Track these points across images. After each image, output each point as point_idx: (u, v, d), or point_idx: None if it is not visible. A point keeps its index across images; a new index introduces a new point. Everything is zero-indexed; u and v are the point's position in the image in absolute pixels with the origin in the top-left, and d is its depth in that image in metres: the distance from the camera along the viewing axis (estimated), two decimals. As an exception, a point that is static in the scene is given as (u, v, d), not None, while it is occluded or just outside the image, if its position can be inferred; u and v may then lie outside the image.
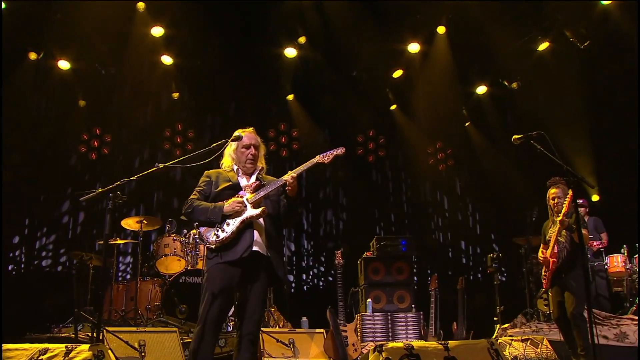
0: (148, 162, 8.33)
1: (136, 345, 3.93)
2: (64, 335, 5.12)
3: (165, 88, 8.25)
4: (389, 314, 5.62)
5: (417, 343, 3.48)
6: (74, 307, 4.86)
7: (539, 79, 7.50)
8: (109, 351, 3.27)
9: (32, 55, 7.47)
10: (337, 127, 8.61)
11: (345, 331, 4.71)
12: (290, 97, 8.41)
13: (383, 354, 3.35)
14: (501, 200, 7.77)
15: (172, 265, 5.95)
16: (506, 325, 5.44)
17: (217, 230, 2.99)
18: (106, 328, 4.07)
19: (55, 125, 8.20)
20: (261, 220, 3.02)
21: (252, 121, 8.34)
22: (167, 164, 2.77)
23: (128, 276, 7.55)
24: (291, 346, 4.42)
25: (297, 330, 4.75)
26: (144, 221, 5.89)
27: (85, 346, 3.09)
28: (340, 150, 3.04)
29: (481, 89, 8.17)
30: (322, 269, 8.20)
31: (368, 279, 6.02)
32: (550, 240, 4.00)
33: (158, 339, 4.05)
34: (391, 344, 3.47)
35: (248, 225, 2.98)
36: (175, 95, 8.38)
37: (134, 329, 4.32)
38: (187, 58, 7.79)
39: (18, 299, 6.69)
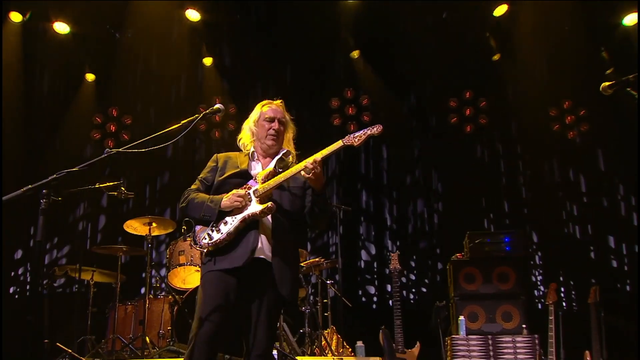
0: (183, 150, 9.41)
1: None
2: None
3: (195, 52, 9.34)
4: (489, 337, 5.84)
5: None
6: (43, 338, 5.40)
7: None
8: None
9: (15, 17, 8.13)
10: (420, 89, 9.31)
11: None
12: (355, 53, 9.22)
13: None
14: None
15: (190, 277, 6.36)
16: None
17: (211, 231, 3.27)
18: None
19: (57, 108, 9.32)
20: (269, 218, 3.28)
21: (311, 88, 9.59)
22: (119, 149, 3.00)
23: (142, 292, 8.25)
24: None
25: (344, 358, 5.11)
26: (153, 223, 6.30)
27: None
28: (375, 129, 3.24)
29: (630, 19, 7.96)
30: (413, 277, 8.88)
31: (460, 289, 6.32)
32: None
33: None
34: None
35: (252, 225, 3.25)
36: (208, 61, 9.41)
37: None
38: (220, 12, 8.68)
39: (24, 331, 7.37)
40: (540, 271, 8.56)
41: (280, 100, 3.63)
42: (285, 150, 3.53)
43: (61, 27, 8.46)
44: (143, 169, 9.34)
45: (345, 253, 8.49)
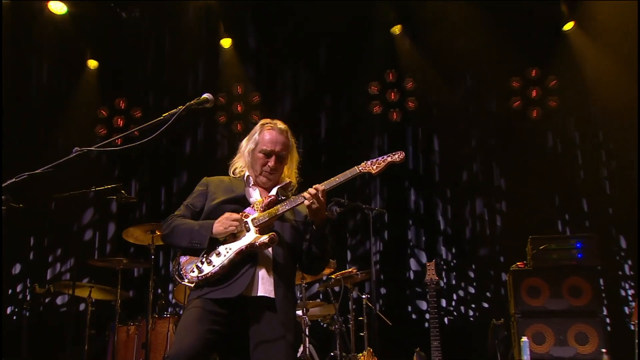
0: (202, 146, 9.49)
1: None
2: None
3: (213, 32, 9.40)
4: (560, 363, 5.64)
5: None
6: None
7: None
8: None
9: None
10: (477, 69, 9.14)
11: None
12: (396, 29, 9.25)
13: None
14: None
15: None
16: None
17: (201, 262, 3.29)
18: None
19: (55, 101, 9.41)
20: (269, 251, 3.31)
21: (347, 71, 9.54)
22: (91, 148, 2.99)
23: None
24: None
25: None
26: (157, 231, 6.34)
27: None
28: (397, 156, 3.33)
29: None
30: (472, 290, 8.82)
31: (522, 304, 6.31)
32: None
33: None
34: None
35: (249, 257, 3.28)
36: (226, 42, 9.50)
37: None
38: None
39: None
40: (631, 283, 8.27)
41: (284, 126, 3.62)
42: (286, 182, 3.59)
43: (57, 7, 8.54)
44: (157, 169, 9.48)
45: (391, 262, 8.78)
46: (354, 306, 6.96)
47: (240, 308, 3.24)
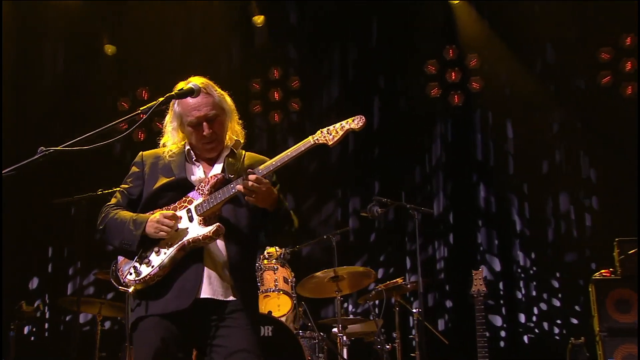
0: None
1: None
2: None
3: (244, 8, 9.12)
4: (657, 392, 5.64)
5: None
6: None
7: None
8: None
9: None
10: (557, 38, 8.72)
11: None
12: None
13: None
14: None
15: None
16: None
17: (139, 263, 3.20)
18: None
19: (69, 93, 9.14)
20: (219, 242, 3.23)
21: (401, 49, 8.94)
22: (58, 147, 2.82)
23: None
24: None
25: None
26: None
27: None
28: (356, 122, 3.15)
29: None
30: (557, 302, 8.35)
31: (608, 320, 6.10)
32: None
33: None
34: None
35: (193, 253, 3.19)
36: (258, 19, 9.15)
37: None
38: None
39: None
40: None
41: (202, 81, 3.33)
42: (232, 144, 3.41)
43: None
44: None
45: (458, 271, 8.42)
46: (402, 323, 6.70)
47: (191, 316, 3.13)
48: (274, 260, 6.16)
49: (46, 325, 9.05)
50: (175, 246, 3.15)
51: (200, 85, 3.25)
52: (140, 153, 3.47)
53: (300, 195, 8.99)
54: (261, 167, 3.14)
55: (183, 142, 3.40)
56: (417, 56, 9.01)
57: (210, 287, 3.15)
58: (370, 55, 9.25)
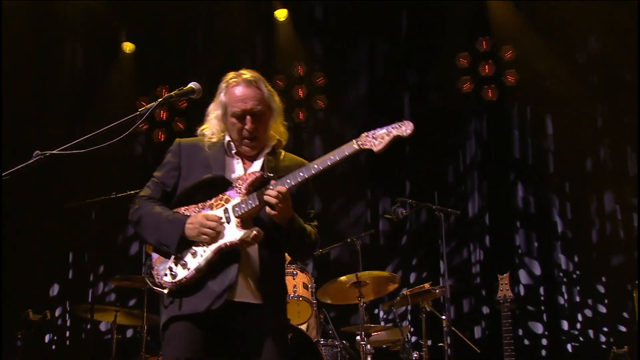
0: None
1: None
2: None
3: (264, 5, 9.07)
4: None
5: None
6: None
7: None
8: None
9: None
10: (602, 27, 8.41)
11: None
12: None
13: None
14: None
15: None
16: None
17: (175, 264, 3.19)
18: None
19: (86, 92, 9.09)
20: (254, 246, 3.21)
21: (431, 41, 8.78)
22: (54, 151, 2.86)
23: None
24: None
25: None
26: None
27: None
28: (404, 128, 3.04)
29: None
30: (603, 309, 8.09)
31: None
32: None
33: None
34: None
35: (230, 255, 3.16)
36: (281, 14, 9.02)
37: None
38: None
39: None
40: None
41: (252, 74, 3.33)
42: (274, 144, 3.37)
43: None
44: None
45: (495, 274, 8.09)
46: (433, 330, 6.62)
47: (221, 319, 3.16)
48: (293, 266, 6.07)
49: (67, 333, 8.94)
50: (212, 249, 3.13)
51: (251, 79, 3.27)
52: (177, 141, 3.41)
53: (327, 196, 8.83)
54: (294, 174, 3.07)
55: (223, 134, 3.36)
56: (447, 49, 8.81)
57: (243, 290, 3.16)
58: (400, 49, 9.08)
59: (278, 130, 3.38)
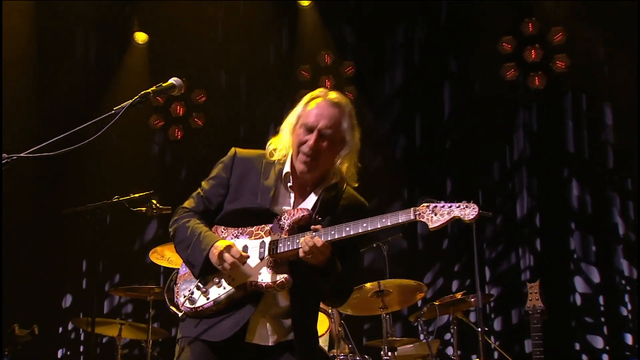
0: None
1: None
2: None
3: None
4: None
5: None
6: None
7: None
8: None
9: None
10: None
11: None
12: None
13: None
14: None
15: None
16: None
17: (197, 288, 3.17)
18: None
19: (96, 86, 8.99)
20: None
21: (474, 25, 8.49)
22: (22, 154, 2.87)
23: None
24: None
25: None
26: None
27: None
28: (469, 212, 2.90)
29: None
30: None
31: None
32: None
33: None
34: None
35: (254, 295, 3.12)
36: (305, 2, 8.89)
37: None
38: None
39: None
40: None
41: (341, 98, 3.24)
42: (336, 181, 3.28)
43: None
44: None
45: (548, 283, 7.51)
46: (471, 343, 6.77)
47: (237, 351, 3.12)
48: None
49: (81, 348, 8.75)
50: (237, 283, 3.11)
51: (336, 101, 3.19)
52: (234, 151, 3.34)
53: (361, 196, 8.32)
54: (331, 228, 2.99)
55: (285, 156, 3.28)
56: (489, 33, 8.55)
57: (257, 332, 3.12)
58: (439, 34, 8.86)
59: (347, 169, 3.27)
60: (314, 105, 3.20)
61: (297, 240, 3.04)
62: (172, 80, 3.11)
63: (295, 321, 3.16)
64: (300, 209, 3.15)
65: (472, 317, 7.13)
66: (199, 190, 3.35)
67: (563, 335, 7.81)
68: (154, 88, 3.03)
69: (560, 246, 8.13)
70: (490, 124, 8.48)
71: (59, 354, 8.72)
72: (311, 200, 3.23)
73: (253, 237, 3.16)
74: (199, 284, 3.17)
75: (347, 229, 2.98)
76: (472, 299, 6.00)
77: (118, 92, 8.89)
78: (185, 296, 3.17)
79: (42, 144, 2.87)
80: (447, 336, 7.71)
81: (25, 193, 8.27)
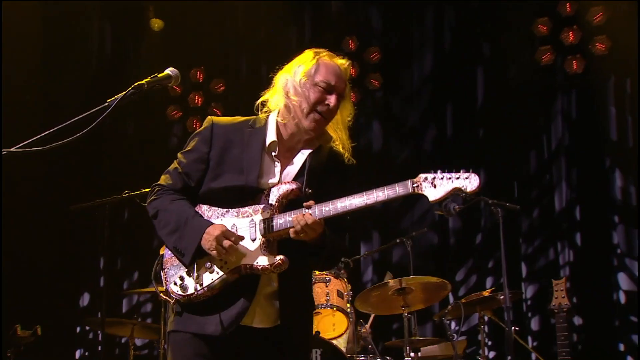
0: None
1: None
2: None
3: None
4: None
5: None
6: None
7: None
8: None
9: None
10: None
11: None
12: None
13: None
14: None
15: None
16: None
17: (188, 274, 3.13)
18: None
19: (110, 75, 8.95)
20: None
21: (510, 11, 8.30)
22: (11, 149, 2.85)
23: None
24: None
25: None
26: None
27: None
28: (470, 182, 2.86)
29: None
30: None
31: None
32: None
33: None
34: None
35: (249, 278, 3.10)
36: None
37: None
38: None
39: None
40: None
41: (345, 60, 3.28)
42: (318, 146, 3.26)
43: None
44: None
45: (589, 279, 7.89)
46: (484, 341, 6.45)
47: (230, 343, 3.09)
48: (326, 272, 5.93)
49: (99, 348, 8.48)
50: (230, 268, 3.06)
51: (343, 62, 3.23)
52: (211, 121, 3.26)
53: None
54: (335, 204, 2.94)
55: (272, 118, 3.25)
56: (523, 14, 8.29)
57: (256, 315, 3.11)
58: (471, 17, 8.60)
59: (337, 131, 3.29)
60: (328, 65, 3.20)
61: (289, 218, 3.01)
62: (168, 71, 3.08)
63: (284, 302, 3.13)
64: (289, 182, 3.14)
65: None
66: (176, 164, 3.25)
67: (606, 336, 7.68)
68: (148, 79, 2.99)
69: (602, 241, 7.89)
70: (526, 112, 8.29)
71: (77, 354, 8.66)
72: (297, 166, 3.20)
73: (241, 216, 3.12)
74: (188, 271, 3.13)
75: (342, 204, 2.96)
76: (501, 297, 5.83)
77: (134, 81, 8.78)
78: (175, 283, 3.12)
79: (32, 139, 2.83)
80: (480, 336, 7.62)
81: (41, 189, 8.28)
